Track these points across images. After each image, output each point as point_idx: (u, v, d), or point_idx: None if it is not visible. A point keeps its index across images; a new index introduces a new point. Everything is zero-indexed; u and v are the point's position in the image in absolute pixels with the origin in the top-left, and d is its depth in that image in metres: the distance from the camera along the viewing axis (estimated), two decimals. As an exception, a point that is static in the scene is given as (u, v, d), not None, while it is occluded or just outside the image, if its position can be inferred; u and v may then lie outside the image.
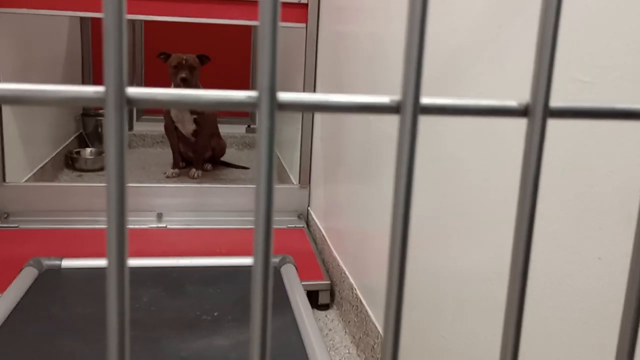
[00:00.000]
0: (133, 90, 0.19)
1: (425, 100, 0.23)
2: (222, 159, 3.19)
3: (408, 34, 0.22)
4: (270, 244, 0.23)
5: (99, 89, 0.18)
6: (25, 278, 1.54)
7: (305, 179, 2.33)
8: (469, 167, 1.02)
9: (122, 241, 0.20)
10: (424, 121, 1.15)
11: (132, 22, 3.60)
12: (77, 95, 0.19)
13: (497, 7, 0.93)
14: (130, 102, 0.18)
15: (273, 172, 0.21)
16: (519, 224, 0.25)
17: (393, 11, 1.41)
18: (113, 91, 0.18)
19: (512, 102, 0.24)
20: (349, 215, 1.77)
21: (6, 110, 2.16)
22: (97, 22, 3.54)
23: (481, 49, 0.98)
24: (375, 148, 1.53)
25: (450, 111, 0.24)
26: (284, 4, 2.15)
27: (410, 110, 0.22)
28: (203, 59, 2.86)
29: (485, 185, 0.96)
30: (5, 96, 0.18)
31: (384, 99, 0.23)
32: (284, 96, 0.20)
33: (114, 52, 0.18)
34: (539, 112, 0.23)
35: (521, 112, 0.24)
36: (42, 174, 2.69)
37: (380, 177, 1.50)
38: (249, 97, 0.20)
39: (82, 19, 3.42)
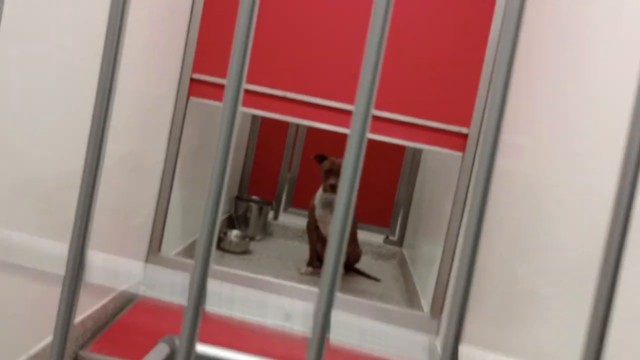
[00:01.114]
0: None
1: None
2: (356, 266, 3.19)
3: None
4: None
5: None
6: (156, 356, 1.61)
7: (438, 307, 2.23)
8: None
9: None
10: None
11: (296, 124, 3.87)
12: None
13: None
14: None
15: None
16: None
17: (551, 153, 1.36)
18: None
19: None
20: (480, 363, 1.65)
21: (176, 182, 2.37)
22: (265, 119, 3.85)
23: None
24: (517, 300, 1.43)
25: None
26: (446, 131, 2.18)
27: None
28: None
29: None
30: None
31: None
32: None
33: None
34: None
35: None
36: (191, 250, 2.88)
37: (521, 330, 1.38)
38: None
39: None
